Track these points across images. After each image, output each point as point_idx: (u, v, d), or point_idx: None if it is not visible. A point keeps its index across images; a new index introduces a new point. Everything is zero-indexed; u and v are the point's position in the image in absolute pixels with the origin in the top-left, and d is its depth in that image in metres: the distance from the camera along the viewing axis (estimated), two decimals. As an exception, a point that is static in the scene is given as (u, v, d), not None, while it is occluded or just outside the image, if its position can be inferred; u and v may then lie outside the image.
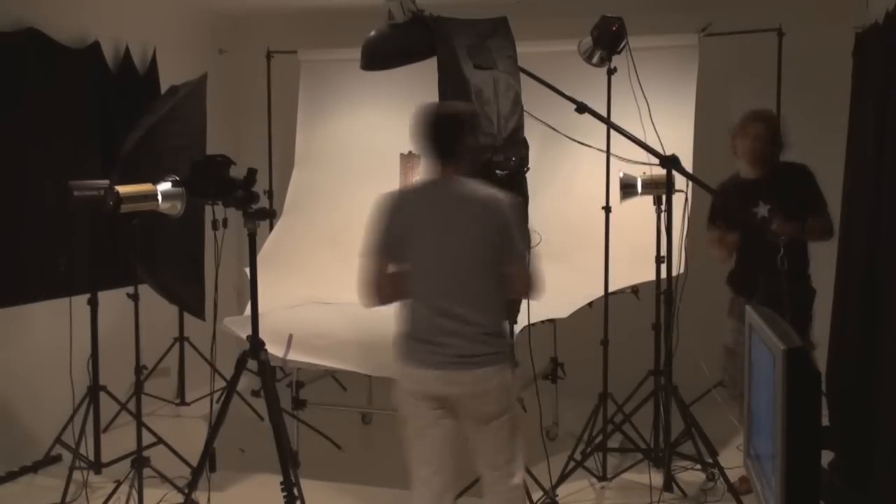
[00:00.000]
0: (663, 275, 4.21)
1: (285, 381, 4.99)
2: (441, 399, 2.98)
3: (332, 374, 5.47)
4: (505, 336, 3.08)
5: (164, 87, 5.43)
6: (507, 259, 2.96)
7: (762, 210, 4.05)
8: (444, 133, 2.99)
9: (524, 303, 3.69)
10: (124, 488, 3.91)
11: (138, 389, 4.06)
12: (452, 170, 2.99)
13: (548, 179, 5.07)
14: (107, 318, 4.36)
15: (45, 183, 4.74)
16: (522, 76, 3.82)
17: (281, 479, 3.54)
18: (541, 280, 3.04)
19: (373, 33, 3.84)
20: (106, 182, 4.06)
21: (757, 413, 2.30)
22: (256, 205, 3.56)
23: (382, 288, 3.01)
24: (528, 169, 3.56)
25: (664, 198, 4.12)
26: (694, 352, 4.45)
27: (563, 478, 4.33)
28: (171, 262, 4.75)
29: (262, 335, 3.64)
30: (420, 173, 5.12)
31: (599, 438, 4.57)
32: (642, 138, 4.05)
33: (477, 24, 3.87)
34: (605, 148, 4.48)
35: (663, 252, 4.18)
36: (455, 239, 2.94)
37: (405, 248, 2.98)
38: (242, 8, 6.23)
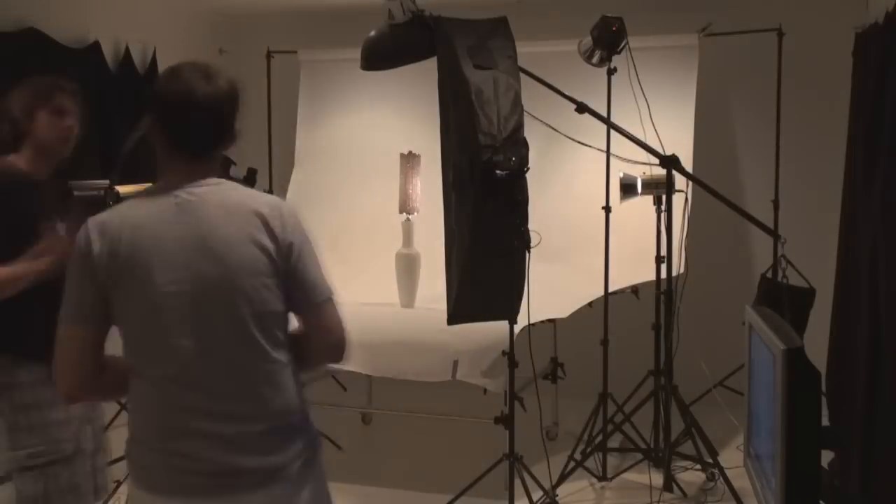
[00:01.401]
0: (663, 275, 4.21)
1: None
2: None
3: (332, 374, 5.47)
4: (304, 429, 2.04)
5: (164, 87, 5.42)
6: (305, 306, 2.01)
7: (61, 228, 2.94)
8: (212, 115, 2.02)
9: (522, 306, 3.70)
10: (124, 488, 3.91)
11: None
12: (205, 170, 2.01)
13: (548, 179, 5.07)
14: (107, 318, 4.36)
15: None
16: (522, 76, 3.83)
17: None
18: (345, 334, 2.06)
19: (373, 33, 3.84)
20: (106, 182, 4.06)
21: (757, 413, 2.30)
22: (256, 205, 3.55)
23: (95, 373, 1.97)
24: (528, 169, 3.56)
25: (664, 198, 4.12)
26: (694, 352, 4.46)
27: (563, 478, 4.33)
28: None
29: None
30: (419, 174, 5.13)
31: (599, 438, 4.56)
32: (642, 138, 4.05)
33: (477, 24, 3.87)
34: (605, 148, 4.48)
35: (663, 252, 4.19)
36: (207, 273, 1.91)
37: (126, 301, 1.94)
38: (242, 8, 6.23)
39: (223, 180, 2.02)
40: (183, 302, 1.91)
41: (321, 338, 2.03)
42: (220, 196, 1.98)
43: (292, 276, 1.97)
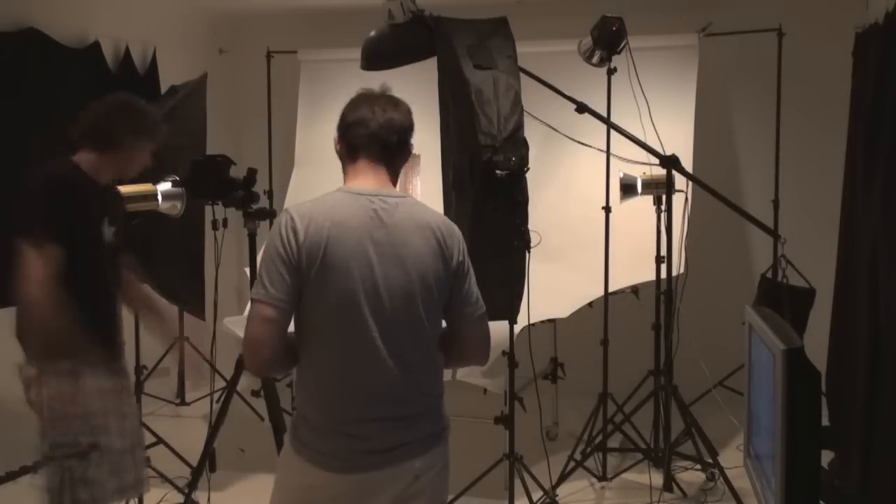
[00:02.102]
0: (663, 275, 4.21)
1: (285, 381, 5.00)
2: None
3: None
4: (444, 408, 2.31)
5: (164, 87, 5.43)
6: (466, 317, 2.26)
7: (108, 232, 3.03)
8: (403, 125, 2.29)
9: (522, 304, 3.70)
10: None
11: (138, 389, 4.06)
12: (392, 179, 2.29)
13: (548, 179, 5.07)
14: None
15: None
16: (522, 76, 3.83)
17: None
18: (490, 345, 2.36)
19: (373, 33, 3.84)
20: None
21: (757, 413, 2.30)
22: (256, 205, 3.56)
23: (282, 353, 2.15)
24: (528, 169, 3.56)
25: (664, 198, 4.12)
26: (694, 352, 4.46)
27: (563, 478, 4.33)
28: (171, 262, 4.75)
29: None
30: (419, 174, 5.13)
31: (599, 438, 4.57)
32: (642, 138, 4.05)
33: (477, 24, 3.87)
34: (605, 148, 4.48)
35: (663, 252, 4.19)
36: (394, 277, 2.14)
37: (321, 294, 2.11)
38: (242, 8, 6.23)
39: (405, 194, 2.28)
40: (373, 301, 2.12)
41: (475, 345, 2.31)
42: (408, 209, 2.21)
43: (458, 290, 2.24)
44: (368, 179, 2.24)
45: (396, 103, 2.30)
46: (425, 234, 2.20)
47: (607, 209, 4.59)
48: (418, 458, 2.19)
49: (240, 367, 3.68)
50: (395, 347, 2.15)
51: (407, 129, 2.30)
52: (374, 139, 2.26)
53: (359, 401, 2.15)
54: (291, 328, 2.18)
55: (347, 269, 2.11)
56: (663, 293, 4.20)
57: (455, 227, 2.29)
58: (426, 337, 2.21)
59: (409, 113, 2.30)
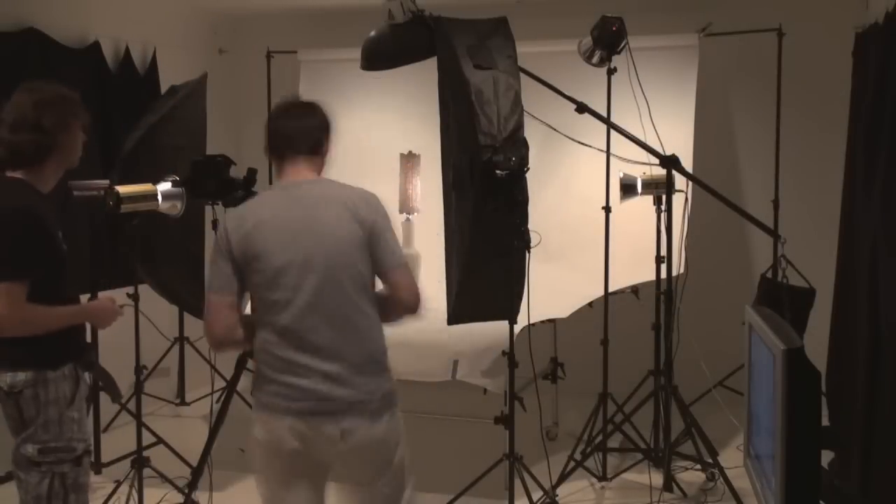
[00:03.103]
0: (663, 275, 4.21)
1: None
2: (297, 455, 2.58)
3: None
4: (386, 371, 2.62)
5: (164, 87, 5.43)
6: (385, 270, 2.59)
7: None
8: (306, 124, 2.73)
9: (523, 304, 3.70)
10: (124, 488, 3.91)
11: (138, 389, 4.06)
12: (314, 169, 2.71)
13: (548, 179, 5.07)
14: (107, 318, 4.36)
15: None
16: (522, 76, 3.83)
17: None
18: (418, 292, 2.65)
19: (373, 33, 3.84)
20: (106, 182, 4.06)
21: (757, 413, 2.30)
22: (256, 205, 3.56)
23: (233, 327, 2.57)
24: (528, 169, 3.56)
25: (664, 198, 4.12)
26: (694, 352, 4.46)
27: (563, 478, 4.33)
28: (171, 262, 4.75)
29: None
30: (419, 174, 5.13)
31: (599, 438, 4.57)
32: (642, 138, 4.05)
33: (477, 24, 3.87)
34: (605, 148, 4.48)
35: (663, 252, 4.19)
36: (312, 248, 2.53)
37: (254, 272, 2.55)
38: (242, 8, 6.23)
39: (323, 178, 2.71)
40: (296, 271, 2.51)
41: (398, 295, 2.60)
42: (320, 189, 2.63)
43: (375, 247, 2.56)
44: (294, 172, 2.66)
45: (309, 107, 2.75)
46: (335, 205, 2.55)
47: (607, 209, 4.59)
48: (345, 419, 2.51)
49: (240, 367, 3.68)
50: (322, 308, 2.50)
51: (317, 129, 2.73)
52: (289, 143, 2.67)
53: (294, 356, 2.51)
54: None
55: (269, 250, 2.51)
56: (663, 293, 4.20)
57: (372, 197, 2.63)
58: (351, 295, 2.52)
59: (320, 115, 2.77)
